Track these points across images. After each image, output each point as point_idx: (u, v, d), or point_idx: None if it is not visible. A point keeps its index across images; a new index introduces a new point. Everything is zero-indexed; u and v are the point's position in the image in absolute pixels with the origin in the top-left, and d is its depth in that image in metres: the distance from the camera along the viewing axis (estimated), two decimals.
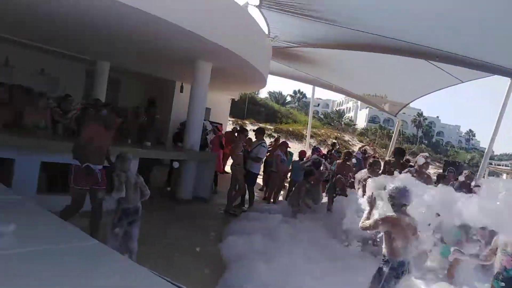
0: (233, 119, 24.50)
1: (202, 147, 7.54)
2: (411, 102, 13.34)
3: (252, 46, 6.92)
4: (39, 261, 1.98)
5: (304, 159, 8.17)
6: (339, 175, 6.34)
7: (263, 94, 49.08)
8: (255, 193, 7.76)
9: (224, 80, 9.56)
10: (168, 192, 7.52)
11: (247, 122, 25.03)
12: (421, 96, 12.49)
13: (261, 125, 25.49)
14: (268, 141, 11.21)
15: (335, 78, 13.05)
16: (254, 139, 7.50)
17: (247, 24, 6.78)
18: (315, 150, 8.10)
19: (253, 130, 7.68)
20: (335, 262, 4.08)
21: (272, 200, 7.97)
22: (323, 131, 27.86)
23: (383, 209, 3.06)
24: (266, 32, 8.66)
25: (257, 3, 7.16)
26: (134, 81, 12.76)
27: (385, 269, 2.88)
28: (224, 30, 5.92)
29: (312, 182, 6.10)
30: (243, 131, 7.20)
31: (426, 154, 5.53)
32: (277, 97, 51.47)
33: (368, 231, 3.18)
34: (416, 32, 7.01)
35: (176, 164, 6.01)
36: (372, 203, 3.12)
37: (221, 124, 12.32)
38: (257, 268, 3.57)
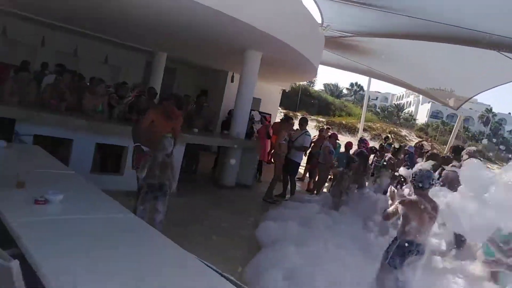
0: (284, 110, 24.46)
1: (247, 136, 7.67)
2: (476, 95, 12.39)
3: (302, 35, 6.86)
4: (77, 227, 2.19)
5: (351, 151, 7.98)
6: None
7: (317, 86, 48.40)
8: (298, 184, 7.76)
9: (274, 70, 9.58)
10: (213, 177, 7.77)
11: (299, 114, 24.86)
12: (488, 89, 11.53)
13: (313, 117, 25.24)
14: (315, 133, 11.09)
15: (393, 69, 12.47)
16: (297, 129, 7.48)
17: (297, 13, 6.72)
18: (362, 142, 7.87)
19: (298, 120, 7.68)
20: (368, 252, 4.02)
21: (315, 192, 7.92)
22: (378, 125, 26.84)
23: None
24: (320, 21, 8.50)
25: None
26: (189, 71, 13.23)
27: (392, 246, 2.99)
28: (273, 20, 5.95)
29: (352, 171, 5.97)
30: (287, 120, 7.21)
31: (473, 148, 5.16)
32: (333, 90, 50.35)
33: (391, 220, 3.16)
34: (484, 19, 6.47)
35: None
36: (392, 195, 3.23)
37: (270, 115, 12.37)
38: (288, 252, 3.62)
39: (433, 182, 2.96)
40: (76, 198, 2.68)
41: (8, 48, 9.27)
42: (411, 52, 9.98)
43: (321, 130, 9.86)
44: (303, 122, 7.24)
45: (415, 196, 2.99)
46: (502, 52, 8.00)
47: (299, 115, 24.39)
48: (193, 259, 2.04)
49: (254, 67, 7.31)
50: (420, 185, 2.95)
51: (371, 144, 18.45)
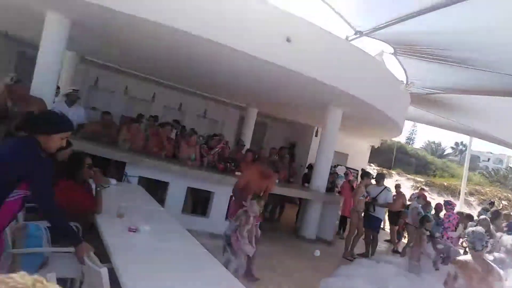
0: (378, 167, 23.58)
1: (328, 190, 7.73)
2: None
3: (383, 93, 6.97)
4: (157, 254, 2.62)
5: (441, 213, 7.43)
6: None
7: (417, 143, 45.66)
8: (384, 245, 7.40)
9: (357, 127, 9.67)
10: (295, 229, 7.89)
11: (393, 172, 23.68)
12: None
13: (410, 176, 23.74)
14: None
15: (496, 128, 11.49)
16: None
17: (377, 72, 6.92)
18: (448, 204, 7.30)
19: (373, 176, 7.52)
20: None
21: (400, 254, 7.46)
22: (488, 189, 23.95)
23: None
24: (404, 78, 8.50)
25: (392, 50, 7.24)
26: (278, 125, 13.97)
27: None
28: (353, 79, 6.26)
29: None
30: (367, 175, 7.13)
31: None
32: (434, 148, 46.94)
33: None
34: None
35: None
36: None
37: (356, 171, 12.18)
38: None
39: (486, 244, 2.96)
40: (161, 231, 3.17)
41: (128, 103, 11.08)
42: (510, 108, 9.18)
43: (397, 186, 9.45)
44: (380, 179, 7.08)
45: (469, 256, 3.04)
46: None
47: (394, 173, 23.24)
48: None
49: (335, 122, 7.54)
50: (471, 246, 2.98)
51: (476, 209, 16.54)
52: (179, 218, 5.16)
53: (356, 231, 6.73)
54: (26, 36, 8.01)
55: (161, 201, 5.24)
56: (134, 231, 2.88)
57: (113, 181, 4.35)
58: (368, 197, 6.78)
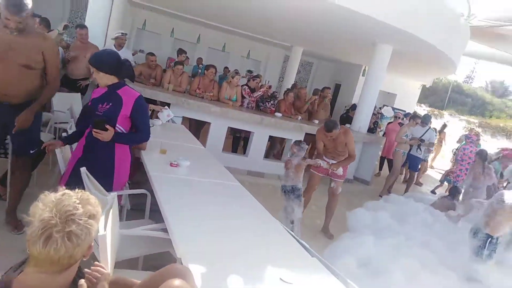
0: (429, 108, 22.46)
1: (370, 130, 7.64)
2: None
3: (437, 27, 6.47)
4: (195, 186, 2.89)
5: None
6: None
7: (477, 82, 42.35)
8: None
9: (407, 65, 9.16)
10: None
11: (445, 112, 22.44)
12: None
13: (463, 117, 22.43)
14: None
15: None
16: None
17: (431, 3, 6.36)
18: (467, 138, 7.07)
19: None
20: (453, 252, 3.86)
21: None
22: None
23: None
24: (465, 9, 7.74)
25: None
26: (324, 65, 13.58)
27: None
28: (404, 12, 5.85)
29: None
30: (414, 117, 6.93)
31: None
32: (496, 87, 43.29)
33: None
34: None
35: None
36: None
37: (403, 111, 11.76)
38: (366, 241, 3.76)
39: None
40: (200, 166, 3.43)
41: (174, 45, 11.24)
42: None
43: (443, 126, 9.20)
44: (425, 119, 6.93)
45: None
46: None
47: (446, 114, 22.05)
48: (279, 226, 2.48)
49: (383, 60, 7.20)
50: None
51: None
52: (220, 156, 5.50)
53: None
54: None
55: (203, 143, 5.54)
56: (175, 166, 3.15)
57: (158, 122, 4.63)
58: (411, 138, 6.69)
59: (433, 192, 8.03)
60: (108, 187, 2.26)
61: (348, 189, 6.81)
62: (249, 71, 9.54)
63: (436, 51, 6.86)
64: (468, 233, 3.76)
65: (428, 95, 24.17)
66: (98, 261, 1.50)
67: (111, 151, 2.58)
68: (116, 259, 2.05)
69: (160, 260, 2.48)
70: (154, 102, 5.80)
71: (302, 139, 6.48)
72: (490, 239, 3.56)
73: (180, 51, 7.68)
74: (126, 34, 6.37)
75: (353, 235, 4.08)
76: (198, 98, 6.09)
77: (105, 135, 2.45)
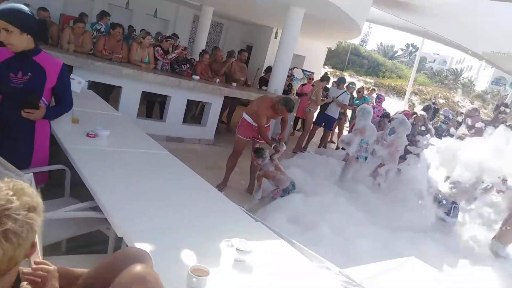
0: (331, 69, 23.91)
1: (285, 93, 7.83)
2: None
3: None
4: (119, 158, 2.63)
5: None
6: None
7: (370, 45, 46.11)
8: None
9: (317, 28, 9.45)
10: None
11: (346, 73, 24.18)
12: None
13: (361, 77, 24.45)
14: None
15: (448, 30, 11.74)
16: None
17: None
18: (377, 98, 7.92)
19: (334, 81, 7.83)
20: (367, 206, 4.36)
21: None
22: (430, 89, 25.45)
23: None
24: None
25: None
26: (235, 26, 13.31)
27: None
28: None
29: None
30: (326, 78, 7.32)
31: (474, 107, 5.09)
32: (386, 50, 47.81)
33: None
34: None
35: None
36: None
37: (313, 73, 12.30)
38: (295, 199, 4.02)
39: None
40: (121, 135, 3.13)
41: (67, 1, 9.87)
42: (468, 11, 9.33)
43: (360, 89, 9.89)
44: (340, 82, 7.38)
45: None
46: None
47: (346, 75, 23.74)
48: (219, 195, 2.39)
49: (296, 23, 7.29)
50: None
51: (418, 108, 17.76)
52: (135, 123, 5.11)
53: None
54: None
55: (115, 107, 5.07)
56: (93, 137, 2.82)
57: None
58: (328, 98, 7.09)
59: (343, 148, 8.72)
60: (26, 166, 1.94)
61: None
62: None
63: (344, 15, 7.15)
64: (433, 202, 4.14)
65: (331, 57, 25.59)
66: None
67: (31, 127, 2.21)
68: None
69: (88, 240, 2.26)
70: None
71: (222, 103, 6.43)
72: (454, 205, 4.02)
73: (104, 13, 6.78)
74: None
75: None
76: (105, 60, 5.48)
77: (38, 114, 2.10)
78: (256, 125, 4.30)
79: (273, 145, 4.27)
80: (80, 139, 2.72)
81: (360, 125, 5.08)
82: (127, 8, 10.91)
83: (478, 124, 4.36)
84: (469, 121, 4.55)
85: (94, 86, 5.52)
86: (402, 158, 5.26)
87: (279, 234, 1.98)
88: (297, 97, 8.37)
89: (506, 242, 3.82)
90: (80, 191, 2.20)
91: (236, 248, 1.51)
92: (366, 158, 5.22)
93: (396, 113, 7.63)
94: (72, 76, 4.00)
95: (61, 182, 2.47)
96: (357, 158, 5.19)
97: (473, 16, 9.49)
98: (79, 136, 2.78)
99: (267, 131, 4.45)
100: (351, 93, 7.93)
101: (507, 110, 4.86)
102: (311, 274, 1.69)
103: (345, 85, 7.54)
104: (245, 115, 4.44)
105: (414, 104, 16.06)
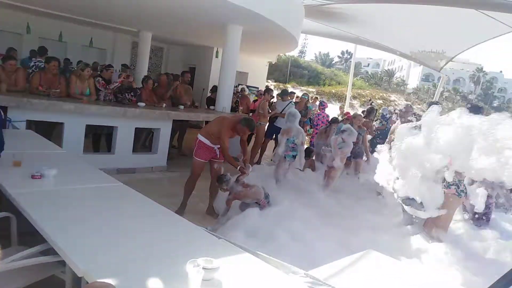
0: (274, 83, 24.55)
1: (233, 110, 7.94)
2: (458, 55, 12.62)
3: (280, 7, 7.02)
4: (70, 196, 2.53)
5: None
6: None
7: (308, 56, 48.07)
8: None
9: (256, 43, 9.73)
10: None
11: (289, 85, 24.94)
12: (467, 49, 11.75)
13: (303, 87, 25.33)
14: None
15: (378, 35, 12.60)
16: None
17: None
18: (321, 104, 8.45)
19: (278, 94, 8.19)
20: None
21: None
22: (368, 92, 27.01)
23: None
24: None
25: None
26: (175, 49, 13.32)
27: None
28: None
29: None
30: (268, 91, 7.62)
31: (408, 103, 5.83)
32: (324, 59, 50.15)
33: None
34: None
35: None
36: None
37: (257, 88, 12.59)
38: (251, 213, 4.06)
39: None
40: (69, 172, 3.01)
41: None
42: (393, 16, 10.11)
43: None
44: (283, 94, 7.79)
45: None
46: (480, 10, 8.18)
47: (289, 87, 24.48)
48: (179, 219, 2.38)
49: (236, 41, 7.48)
50: None
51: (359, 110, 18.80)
52: (81, 158, 4.91)
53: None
54: None
55: (58, 144, 4.84)
56: (39, 178, 2.69)
57: None
58: (275, 111, 7.36)
59: None
60: None
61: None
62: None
63: (280, 29, 7.46)
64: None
65: (273, 71, 26.30)
66: None
67: None
68: None
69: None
70: None
71: (171, 127, 6.38)
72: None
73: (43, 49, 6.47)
74: None
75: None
76: (43, 96, 5.24)
77: None
78: (214, 147, 4.35)
79: (238, 167, 4.28)
80: (25, 182, 2.58)
81: (286, 126, 5.54)
82: (61, 41, 10.55)
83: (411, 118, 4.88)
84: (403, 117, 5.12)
85: (32, 125, 5.26)
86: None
87: (243, 247, 2.01)
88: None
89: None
90: (29, 239, 2.08)
91: (203, 267, 1.52)
92: (294, 157, 5.56)
93: (342, 120, 8.08)
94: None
95: (6, 232, 2.32)
96: (285, 157, 5.52)
97: (398, 20, 10.28)
98: (23, 179, 2.63)
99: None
100: (305, 103, 8.34)
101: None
102: (279, 280, 1.74)
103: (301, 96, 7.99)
104: (200, 137, 4.42)
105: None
